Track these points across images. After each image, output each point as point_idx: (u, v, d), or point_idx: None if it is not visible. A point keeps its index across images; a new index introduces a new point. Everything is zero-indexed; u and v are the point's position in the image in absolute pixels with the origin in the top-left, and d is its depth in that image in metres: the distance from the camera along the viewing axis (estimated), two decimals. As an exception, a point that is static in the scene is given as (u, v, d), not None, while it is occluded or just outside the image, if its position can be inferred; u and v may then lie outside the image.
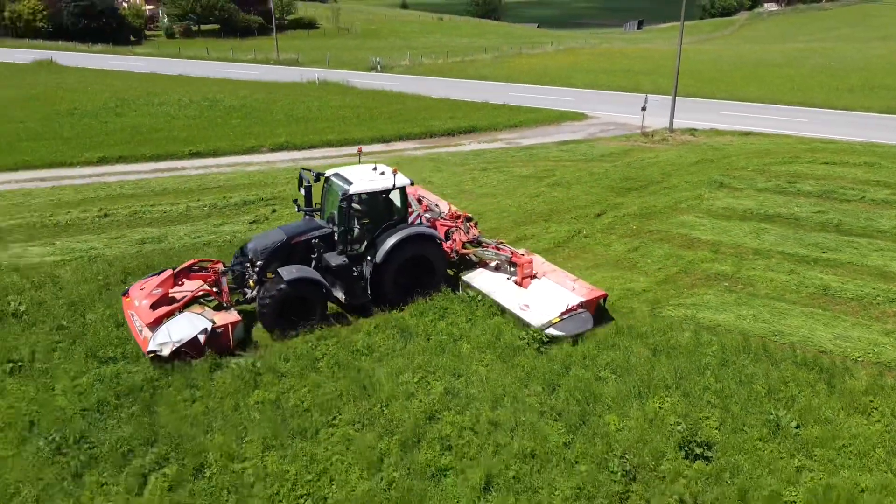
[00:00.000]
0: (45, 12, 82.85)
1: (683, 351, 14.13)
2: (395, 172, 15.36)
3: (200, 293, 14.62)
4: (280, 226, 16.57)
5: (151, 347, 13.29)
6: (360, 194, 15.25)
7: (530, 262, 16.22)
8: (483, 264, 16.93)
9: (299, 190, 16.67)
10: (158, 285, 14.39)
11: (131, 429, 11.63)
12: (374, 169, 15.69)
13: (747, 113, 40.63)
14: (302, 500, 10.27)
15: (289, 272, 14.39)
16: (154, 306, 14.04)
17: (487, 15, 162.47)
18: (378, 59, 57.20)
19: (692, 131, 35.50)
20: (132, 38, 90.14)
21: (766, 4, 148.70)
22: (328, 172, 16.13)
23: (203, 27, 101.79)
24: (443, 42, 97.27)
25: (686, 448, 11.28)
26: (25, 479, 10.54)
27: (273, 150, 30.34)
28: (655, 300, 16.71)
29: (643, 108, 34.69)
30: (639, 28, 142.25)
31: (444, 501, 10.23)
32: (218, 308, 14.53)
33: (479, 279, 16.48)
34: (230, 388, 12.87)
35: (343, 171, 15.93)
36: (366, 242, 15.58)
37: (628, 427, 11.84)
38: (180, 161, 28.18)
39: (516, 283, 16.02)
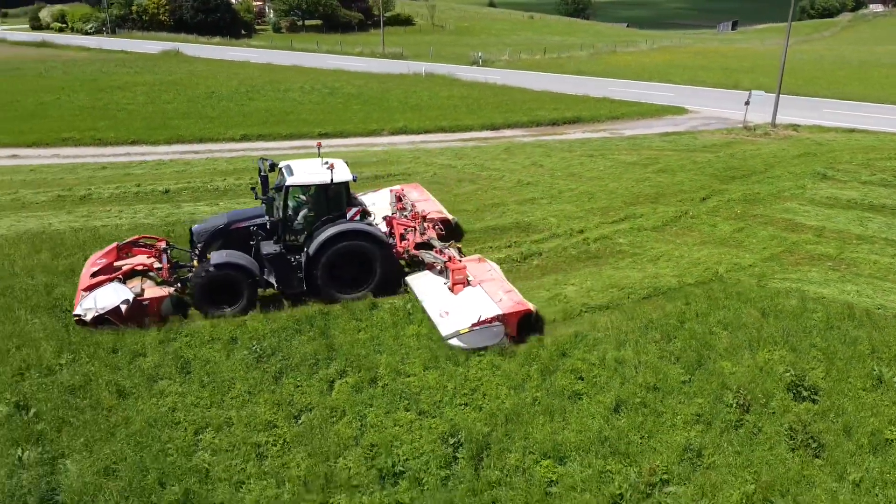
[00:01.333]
0: (167, 7, 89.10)
1: (790, 314, 15.51)
2: (331, 168, 15.53)
3: (139, 267, 15.64)
4: (228, 211, 17.81)
5: (77, 311, 14.36)
6: (297, 186, 15.71)
7: (463, 268, 15.77)
8: (430, 267, 16.81)
9: (259, 177, 16.24)
10: (102, 256, 15.84)
11: (313, 347, 14.04)
12: (325, 163, 15.79)
13: (851, 111, 40.46)
14: (460, 407, 12.36)
15: (218, 257, 15.17)
16: (94, 275, 15.21)
17: (576, 14, 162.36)
18: (479, 55, 59.46)
19: (795, 127, 35.90)
20: (243, 32, 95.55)
21: (871, 5, 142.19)
22: (282, 163, 16.62)
23: (307, 22, 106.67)
24: (535, 39, 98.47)
25: (794, 391, 12.76)
26: (237, 377, 13.08)
27: (393, 133, 32.90)
28: (761, 274, 18.02)
29: (746, 103, 35.35)
30: (733, 29, 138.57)
31: (582, 415, 12.10)
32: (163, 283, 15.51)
33: (418, 281, 16.38)
34: (388, 322, 15.16)
35: (294, 163, 16.47)
36: (305, 234, 15.94)
37: (740, 371, 13.39)
38: (312, 140, 30.89)
39: (449, 288, 15.70)
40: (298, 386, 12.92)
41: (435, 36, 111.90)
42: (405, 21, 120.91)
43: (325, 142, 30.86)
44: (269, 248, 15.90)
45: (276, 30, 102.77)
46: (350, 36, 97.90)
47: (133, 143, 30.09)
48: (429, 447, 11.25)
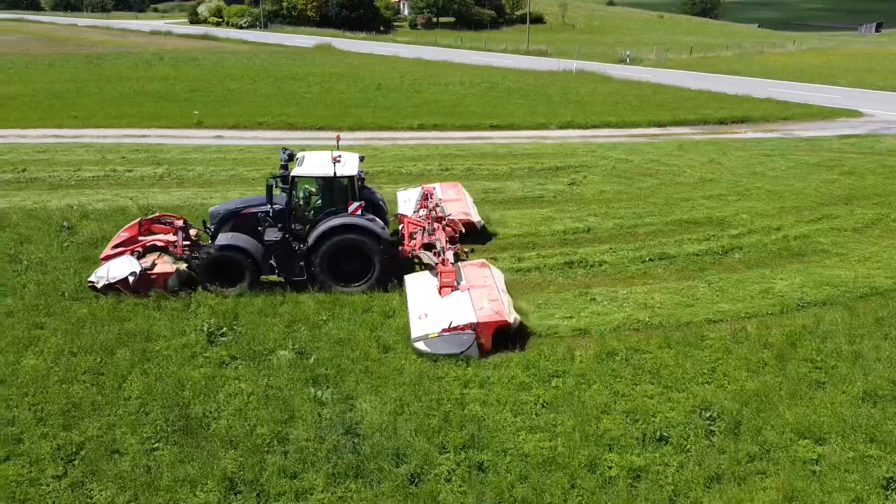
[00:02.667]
0: (314, 3, 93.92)
1: None
2: (335, 161, 15.59)
3: (153, 243, 16.52)
4: (244, 197, 18.20)
5: (91, 278, 15.57)
6: (301, 177, 16.01)
7: (451, 272, 15.30)
8: (430, 267, 16.45)
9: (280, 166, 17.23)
10: (126, 230, 16.94)
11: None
12: (339, 157, 15.86)
13: None
14: (704, 385, 12.86)
15: (224, 238, 15.77)
16: (116, 246, 16.36)
17: (704, 13, 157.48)
18: (627, 53, 59.12)
19: None
20: (381, 28, 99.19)
21: None
22: (299, 154, 16.95)
23: (441, 19, 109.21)
24: (667, 39, 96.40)
25: None
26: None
27: (560, 127, 33.57)
28: (985, 280, 17.36)
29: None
30: (877, 31, 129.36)
31: (830, 402, 12.31)
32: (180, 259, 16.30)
33: (414, 281, 16.12)
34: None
35: (309, 154, 16.73)
36: (310, 224, 16.15)
37: None
38: (484, 132, 32.29)
39: (438, 290, 15.32)
40: (542, 353, 13.84)
41: (566, 34, 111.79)
42: (536, 19, 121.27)
43: (496, 134, 32.09)
44: (272, 234, 16.21)
45: (413, 26, 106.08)
46: (483, 33, 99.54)
47: (320, 128, 32.34)
48: (683, 418, 11.85)
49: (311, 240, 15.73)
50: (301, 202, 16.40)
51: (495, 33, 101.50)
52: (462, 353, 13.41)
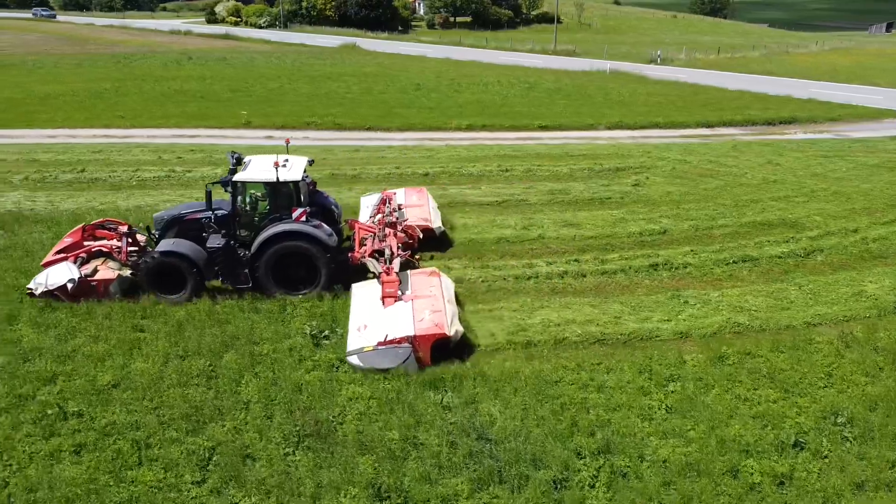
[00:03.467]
0: (332, 2, 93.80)
1: None
2: (276, 166, 15.20)
3: (99, 249, 16.16)
4: (190, 202, 17.71)
5: (29, 285, 15.23)
6: (243, 182, 15.47)
7: (394, 281, 14.68)
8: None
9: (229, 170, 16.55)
10: (70, 235, 16.52)
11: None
12: (286, 162, 15.58)
13: None
14: (824, 389, 12.70)
15: (165, 244, 15.39)
16: (59, 252, 15.92)
17: (713, 13, 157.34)
18: (658, 53, 58.95)
19: None
20: (400, 28, 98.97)
21: None
22: (247, 158, 16.48)
23: (458, 19, 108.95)
24: (686, 38, 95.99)
25: None
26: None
27: (609, 128, 33.41)
28: None
29: None
30: (887, 31, 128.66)
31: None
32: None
33: (361, 290, 15.37)
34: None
35: (255, 158, 16.25)
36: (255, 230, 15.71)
37: None
38: (534, 132, 32.16)
39: (381, 299, 14.62)
40: (652, 357, 13.69)
41: (584, 34, 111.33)
42: (552, 19, 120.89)
43: (546, 135, 31.94)
44: (215, 241, 15.73)
45: (430, 26, 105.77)
46: (501, 32, 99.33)
47: (368, 128, 32.26)
48: (814, 424, 11.69)
49: (254, 247, 15.32)
50: (248, 208, 15.96)
51: (513, 33, 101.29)
52: (400, 366, 12.78)
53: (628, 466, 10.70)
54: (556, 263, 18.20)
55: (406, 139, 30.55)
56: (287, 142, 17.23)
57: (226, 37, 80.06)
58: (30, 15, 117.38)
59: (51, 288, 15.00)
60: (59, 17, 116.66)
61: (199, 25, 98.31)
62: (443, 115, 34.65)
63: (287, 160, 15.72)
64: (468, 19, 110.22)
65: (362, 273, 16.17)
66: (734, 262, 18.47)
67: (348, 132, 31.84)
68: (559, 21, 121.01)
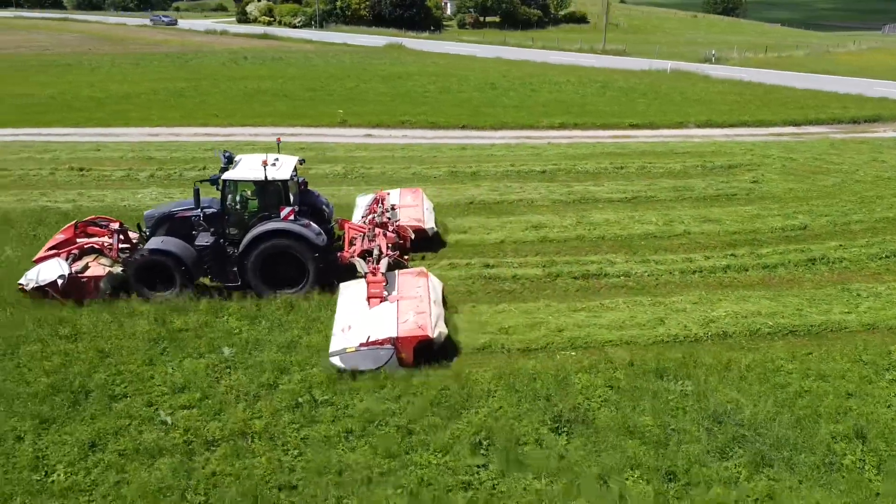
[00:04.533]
0: (367, 2, 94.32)
1: None
2: (265, 165, 15.22)
3: (91, 245, 16.24)
4: (181, 200, 17.73)
5: (21, 280, 15.38)
6: (232, 181, 15.56)
7: (379, 282, 14.63)
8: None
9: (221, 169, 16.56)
10: (62, 232, 16.65)
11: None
12: (276, 161, 15.66)
13: None
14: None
15: (154, 242, 15.45)
16: (51, 248, 16.09)
17: (726, 13, 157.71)
18: (713, 52, 59.31)
19: None
20: (432, 28, 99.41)
21: None
22: (238, 157, 16.58)
23: (487, 19, 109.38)
24: (711, 38, 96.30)
25: None
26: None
27: (699, 126, 33.75)
28: None
29: None
30: None
31: None
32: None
33: (348, 290, 15.22)
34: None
35: (245, 157, 16.36)
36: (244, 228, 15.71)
37: None
38: (627, 130, 32.51)
39: (367, 300, 14.55)
40: (855, 346, 14.03)
41: (611, 34, 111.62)
42: (580, 19, 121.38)
43: (640, 133, 32.27)
44: (204, 239, 15.79)
45: (461, 25, 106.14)
46: (530, 32, 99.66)
47: (464, 127, 32.61)
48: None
49: (242, 245, 15.41)
50: (237, 206, 16.00)
51: (542, 32, 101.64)
52: (378, 369, 12.79)
53: (886, 450, 11.04)
54: (713, 258, 18.58)
55: (505, 137, 30.91)
56: (279, 140, 17.30)
57: (265, 36, 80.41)
58: (59, 16, 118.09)
59: (41, 284, 15.18)
60: (91, 17, 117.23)
61: (232, 25, 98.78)
62: (529, 113, 35.00)
63: (277, 159, 15.85)
64: (497, 19, 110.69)
65: (353, 273, 16.13)
66: (886, 256, 18.80)
67: (444, 130, 32.22)
68: (586, 21, 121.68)
